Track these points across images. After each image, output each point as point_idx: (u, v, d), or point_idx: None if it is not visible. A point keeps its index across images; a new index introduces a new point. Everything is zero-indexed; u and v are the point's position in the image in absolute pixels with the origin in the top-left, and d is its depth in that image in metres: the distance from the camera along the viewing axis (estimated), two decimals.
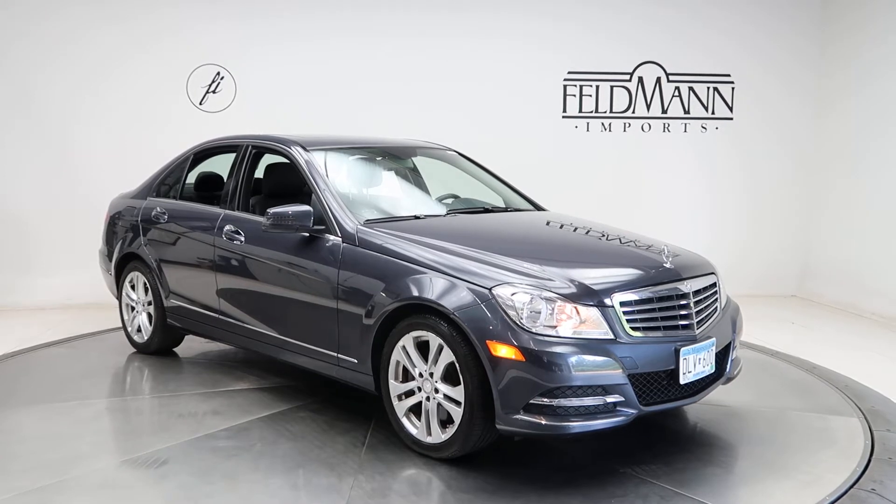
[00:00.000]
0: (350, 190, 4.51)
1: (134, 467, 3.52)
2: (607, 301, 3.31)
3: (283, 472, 3.44)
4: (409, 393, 3.61)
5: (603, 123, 7.98)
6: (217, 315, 4.72)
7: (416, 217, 4.25)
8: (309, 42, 7.56)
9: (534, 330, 3.20)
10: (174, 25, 7.42)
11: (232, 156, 4.93)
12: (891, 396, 4.56)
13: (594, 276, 3.45)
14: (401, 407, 3.64)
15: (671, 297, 3.50)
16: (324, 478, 3.38)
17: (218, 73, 7.50)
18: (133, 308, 5.47)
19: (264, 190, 4.83)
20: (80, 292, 7.22)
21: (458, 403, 3.36)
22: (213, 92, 7.50)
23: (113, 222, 5.69)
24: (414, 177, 5.15)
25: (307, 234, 4.06)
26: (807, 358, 5.41)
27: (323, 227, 4.03)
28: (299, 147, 4.49)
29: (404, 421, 3.63)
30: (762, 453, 3.70)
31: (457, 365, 3.34)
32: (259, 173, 4.93)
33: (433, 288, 3.45)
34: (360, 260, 3.82)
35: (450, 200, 4.83)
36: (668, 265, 3.63)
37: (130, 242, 5.40)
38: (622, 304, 3.34)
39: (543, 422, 3.15)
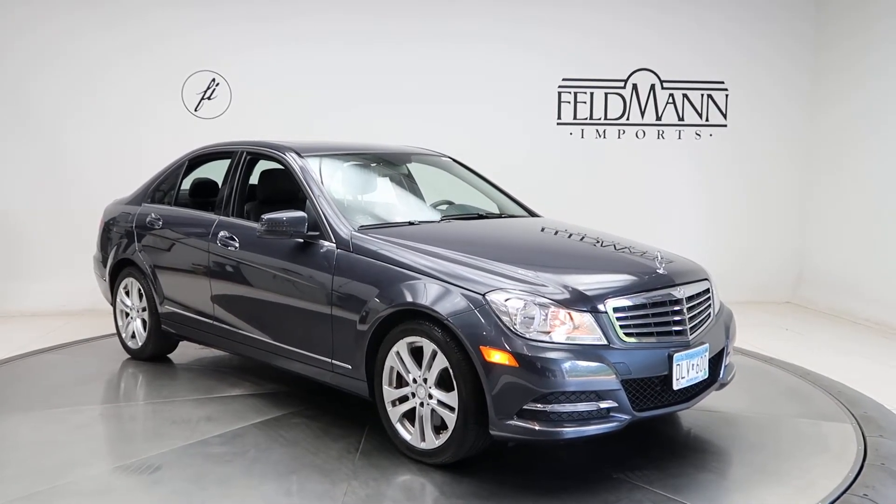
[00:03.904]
0: (345, 196, 4.52)
1: (127, 473, 3.51)
2: (601, 307, 3.32)
3: (277, 477, 3.44)
4: (403, 399, 3.61)
5: (597, 130, 8.00)
6: (211, 321, 4.72)
7: (411, 223, 4.26)
8: (304, 48, 7.57)
9: (527, 335, 3.20)
10: (169, 31, 7.43)
11: (227, 162, 4.94)
12: (884, 402, 4.57)
13: (588, 282, 3.46)
14: (395, 413, 3.64)
15: (664, 303, 3.51)
16: (318, 483, 3.38)
17: (213, 80, 7.51)
18: (127, 314, 5.46)
19: (259, 196, 4.84)
20: (74, 298, 7.21)
21: (451, 409, 3.37)
22: (209, 98, 7.51)
23: (107, 228, 5.69)
24: (408, 183, 5.16)
25: (302, 241, 4.07)
26: (800, 364, 5.42)
27: (317, 233, 4.04)
28: (294, 153, 4.50)
29: (398, 427, 3.63)
30: (755, 459, 3.71)
31: (450, 371, 3.34)
32: (254, 179, 4.94)
33: (427, 294, 3.45)
34: (354, 266, 3.82)
35: (444, 206, 4.84)
36: (661, 271, 3.64)
37: (125, 248, 5.39)
38: (616, 309, 3.35)
39: (537, 427, 3.15)
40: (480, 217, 4.68)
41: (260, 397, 4.60)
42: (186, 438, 3.90)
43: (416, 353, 3.52)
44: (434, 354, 3.42)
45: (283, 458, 3.65)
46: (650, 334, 3.43)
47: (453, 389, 3.35)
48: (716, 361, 3.77)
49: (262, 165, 4.88)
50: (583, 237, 4.27)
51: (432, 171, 5.19)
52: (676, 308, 3.54)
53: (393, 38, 7.66)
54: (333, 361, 3.90)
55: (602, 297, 3.35)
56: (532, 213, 5.00)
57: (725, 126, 8.12)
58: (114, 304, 5.59)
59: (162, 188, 5.44)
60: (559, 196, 7.37)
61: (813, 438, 4.00)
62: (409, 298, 3.50)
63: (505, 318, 3.24)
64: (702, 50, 8.02)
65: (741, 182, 8.16)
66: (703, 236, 8.07)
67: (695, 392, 3.61)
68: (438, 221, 4.48)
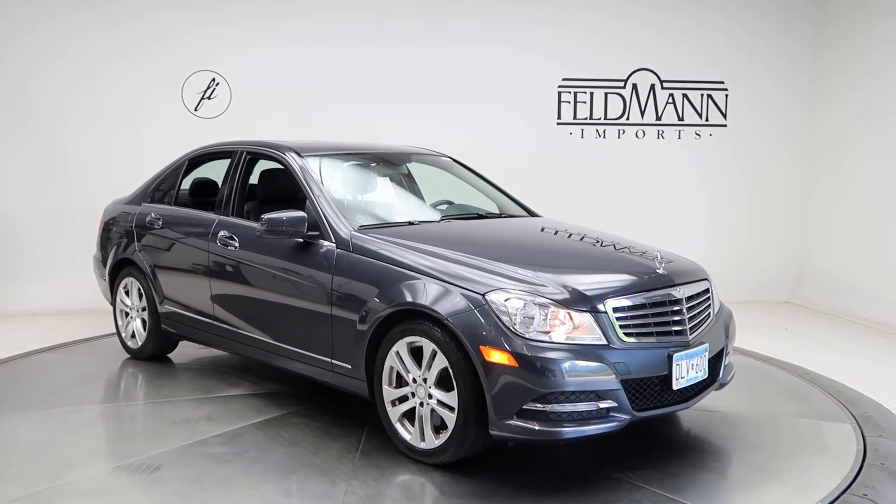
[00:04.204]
0: (344, 196, 4.52)
1: (127, 473, 3.51)
2: (600, 307, 3.32)
3: (277, 477, 3.44)
4: (403, 398, 3.61)
5: (597, 130, 8.00)
6: (211, 321, 4.72)
7: (411, 223, 4.26)
8: (304, 48, 7.57)
9: (527, 335, 3.20)
10: (169, 31, 7.42)
11: (226, 162, 4.94)
12: (883, 402, 4.57)
13: (587, 282, 3.46)
14: (394, 412, 3.64)
15: (664, 303, 3.51)
16: (317, 483, 3.38)
17: (213, 79, 7.51)
18: (127, 314, 5.46)
19: (259, 196, 4.84)
20: (73, 298, 7.21)
21: (451, 409, 3.37)
22: (208, 98, 7.51)
23: (107, 228, 5.69)
24: (408, 183, 5.16)
25: (301, 240, 4.07)
26: (800, 364, 5.42)
27: (317, 233, 4.03)
28: (294, 153, 4.50)
29: (398, 426, 3.63)
30: (755, 459, 3.71)
31: (450, 370, 3.34)
32: (254, 179, 4.94)
33: (427, 293, 3.45)
34: (354, 266, 3.82)
35: (444, 206, 4.84)
36: (661, 271, 3.64)
37: (125, 248, 5.39)
38: (615, 309, 3.35)
39: (537, 427, 3.15)
40: (480, 217, 4.68)
41: (259, 397, 4.60)
42: (186, 438, 3.90)
43: (416, 353, 3.52)
44: (434, 354, 3.42)
45: (282, 458, 3.65)
46: (650, 334, 3.43)
47: (453, 389, 3.35)
48: (715, 361, 3.77)
49: (262, 165, 4.88)
50: (582, 237, 4.27)
51: (432, 171, 5.19)
52: (676, 308, 3.54)
53: (393, 38, 7.65)
54: (333, 361, 3.90)
55: (602, 297, 3.35)
56: (532, 213, 5.00)
57: (725, 126, 8.12)
58: (113, 303, 5.59)
59: (162, 188, 5.44)
60: (559, 196, 7.37)
61: (812, 438, 4.00)
62: (409, 298, 3.50)
63: (505, 318, 3.24)
64: (702, 50, 8.03)
65: (741, 182, 8.16)
66: (703, 236, 8.08)
67: (694, 392, 3.61)
68: (438, 221, 4.48)
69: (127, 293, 5.44)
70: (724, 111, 8.10)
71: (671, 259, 3.88)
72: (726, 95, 8.08)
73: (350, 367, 3.81)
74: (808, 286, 8.17)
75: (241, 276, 4.45)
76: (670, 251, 4.07)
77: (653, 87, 8.00)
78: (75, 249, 6.90)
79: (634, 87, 7.99)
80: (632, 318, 3.39)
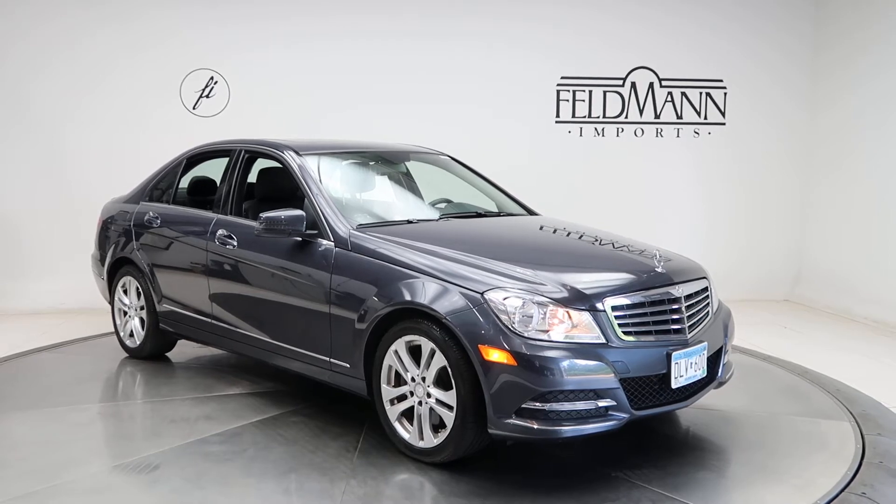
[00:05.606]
0: (343, 194, 4.52)
1: (126, 472, 3.51)
2: (599, 305, 3.32)
3: (276, 476, 3.44)
4: (402, 397, 3.60)
5: (596, 128, 8.00)
6: (210, 320, 4.72)
7: (409, 221, 4.26)
8: (302, 46, 7.56)
9: (526, 334, 3.20)
10: (168, 30, 7.42)
11: (225, 160, 4.94)
12: (882, 400, 4.57)
13: (586, 281, 3.46)
14: (393, 411, 3.64)
15: (663, 302, 3.51)
16: (316, 482, 3.38)
17: (211, 78, 7.50)
18: (125, 313, 5.46)
19: (257, 194, 4.83)
20: (72, 297, 7.20)
21: (450, 408, 3.37)
22: (207, 96, 7.50)
23: (105, 227, 5.68)
24: (407, 181, 5.16)
25: (300, 239, 4.06)
26: (799, 362, 5.42)
27: (316, 232, 4.03)
28: (292, 151, 4.49)
29: (397, 425, 3.63)
30: (754, 457, 3.71)
31: (449, 369, 3.34)
32: (252, 178, 4.94)
33: (425, 292, 3.45)
34: (352, 264, 3.82)
35: (443, 205, 4.83)
36: (660, 270, 3.64)
37: (123, 247, 5.39)
38: (614, 308, 3.35)
39: (535, 426, 3.15)
40: (479, 215, 4.67)
41: (258, 396, 4.60)
42: (185, 437, 3.90)
43: (415, 352, 3.52)
44: (432, 353, 3.42)
45: (281, 457, 3.65)
46: (649, 333, 3.42)
47: (452, 388, 3.35)
48: (714, 360, 3.77)
49: (261, 164, 4.88)
50: (581, 235, 4.27)
51: (431, 170, 5.19)
52: (675, 307, 3.54)
53: (391, 37, 7.65)
54: (332, 360, 3.90)
55: (600, 296, 3.35)
56: (530, 212, 5.00)
57: (724, 124, 8.12)
58: (112, 302, 5.58)
59: (160, 186, 5.43)
60: (558, 194, 7.37)
61: (811, 437, 4.00)
62: (408, 297, 3.50)
63: (503, 317, 3.24)
64: (700, 48, 8.02)
65: (740, 180, 8.16)
66: (702, 234, 8.08)
67: (693, 390, 3.61)
68: (437, 220, 4.48)
69: (125, 292, 5.43)
70: (722, 109, 8.10)
71: (670, 257, 3.88)
72: (725, 94, 8.08)
73: (349, 365, 3.81)
74: (806, 284, 8.17)
75: (239, 274, 4.45)
76: (669, 249, 4.07)
77: (651, 85, 8.00)
78: (74, 248, 6.89)
79: (633, 85, 7.99)
80: (630, 316, 3.39)
